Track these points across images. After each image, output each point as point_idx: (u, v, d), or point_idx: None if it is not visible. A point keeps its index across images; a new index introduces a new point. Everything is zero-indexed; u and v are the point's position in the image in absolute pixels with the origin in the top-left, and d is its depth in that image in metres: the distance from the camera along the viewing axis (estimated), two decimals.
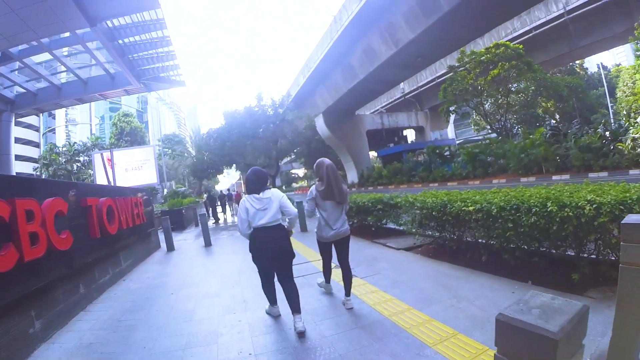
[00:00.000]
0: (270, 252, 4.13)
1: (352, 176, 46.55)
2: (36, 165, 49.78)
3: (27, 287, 4.35)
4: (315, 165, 4.79)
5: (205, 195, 22.93)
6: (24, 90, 25.97)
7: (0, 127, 26.14)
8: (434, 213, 6.24)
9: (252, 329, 4.38)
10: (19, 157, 57.91)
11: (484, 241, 5.58)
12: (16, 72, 24.35)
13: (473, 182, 25.59)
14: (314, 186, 4.72)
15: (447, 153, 33.15)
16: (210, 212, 21.92)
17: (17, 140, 63.70)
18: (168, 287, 6.97)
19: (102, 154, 31.81)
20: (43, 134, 72.58)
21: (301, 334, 3.96)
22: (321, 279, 5.45)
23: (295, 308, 4.10)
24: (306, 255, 8.14)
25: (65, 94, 26.07)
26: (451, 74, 31.61)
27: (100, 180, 32.64)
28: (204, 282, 7.02)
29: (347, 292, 4.75)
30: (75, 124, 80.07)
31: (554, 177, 19.83)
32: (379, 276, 5.93)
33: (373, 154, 56.48)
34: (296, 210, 4.30)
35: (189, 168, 31.69)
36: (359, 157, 46.70)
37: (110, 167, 29.07)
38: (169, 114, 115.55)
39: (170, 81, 27.02)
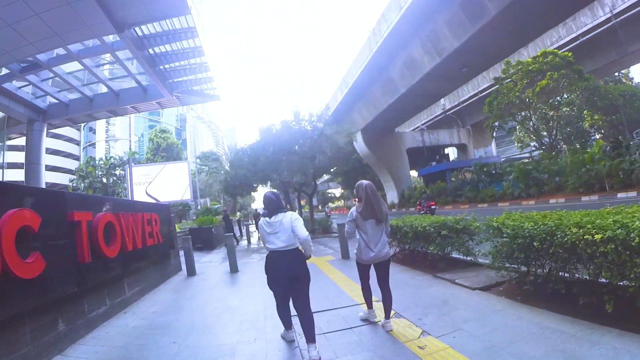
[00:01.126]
0: (283, 278, 4.08)
1: (392, 196, 44.50)
2: (73, 177, 50.16)
3: None
4: (355, 187, 4.83)
5: (221, 215, 21.33)
6: (56, 101, 25.45)
7: (32, 136, 25.64)
8: (535, 243, 4.42)
9: None
10: (58, 169, 59.52)
11: (605, 280, 3.80)
12: (49, 82, 23.93)
13: (527, 202, 23.31)
14: (354, 208, 4.73)
15: (495, 171, 30.96)
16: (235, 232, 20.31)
17: (58, 152, 66.00)
18: (173, 330, 5.41)
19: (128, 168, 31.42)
20: (83, 148, 74.51)
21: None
22: (362, 311, 5.15)
23: (310, 338, 3.93)
24: (356, 296, 6.24)
25: (97, 105, 25.41)
26: (497, 86, 29.74)
27: (136, 194, 32.29)
28: (219, 327, 5.41)
29: (387, 315, 4.61)
30: (115, 140, 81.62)
31: (619, 195, 17.79)
32: (462, 334, 4.10)
33: (413, 173, 54.14)
34: (307, 233, 4.07)
35: (221, 184, 30.28)
36: (399, 176, 44.72)
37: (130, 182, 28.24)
38: (207, 133, 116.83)
39: (204, 95, 26.04)
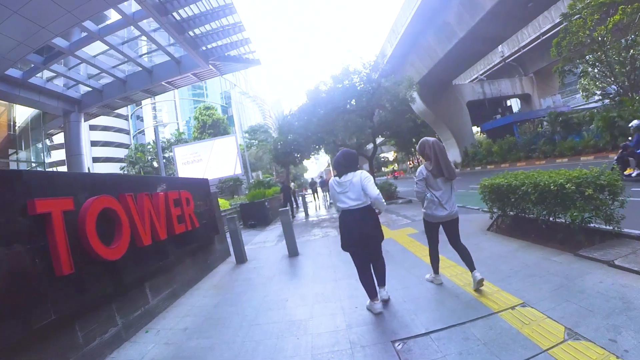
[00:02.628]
0: (356, 236, 4.07)
1: (453, 155, 40.61)
2: (124, 164, 50.50)
3: None
4: (418, 147, 4.72)
5: (280, 186, 19.27)
6: (89, 89, 24.63)
7: (69, 128, 25.03)
8: None
9: None
10: (111, 159, 60.83)
11: None
12: (80, 70, 23.03)
13: (616, 154, 19.68)
14: (422, 166, 4.59)
15: (573, 121, 27.22)
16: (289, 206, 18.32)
17: (110, 143, 67.72)
18: None
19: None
20: (133, 136, 75.81)
21: (385, 302, 4.29)
22: (429, 273, 5.00)
23: (381, 281, 4.40)
24: (489, 301, 4.19)
25: (131, 86, 24.13)
26: (564, 24, 25.72)
27: (184, 175, 31.25)
28: None
29: (472, 267, 4.39)
30: (164, 125, 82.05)
31: None
32: None
33: (475, 129, 49.88)
34: (378, 191, 3.98)
35: (271, 153, 28.23)
36: (461, 133, 41.11)
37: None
38: (253, 107, 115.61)
39: (242, 60, 23.87)
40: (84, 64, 21.53)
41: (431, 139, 4.63)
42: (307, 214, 18.17)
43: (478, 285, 4.22)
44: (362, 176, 4.03)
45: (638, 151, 11.06)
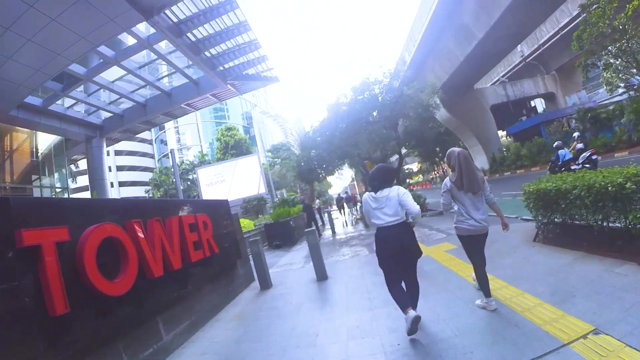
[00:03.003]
0: (394, 251, 3.92)
1: (481, 162, 39.56)
2: (149, 187, 51.17)
3: None
4: (446, 157, 4.49)
5: (302, 206, 18.42)
6: (110, 114, 24.84)
7: (92, 153, 25.17)
8: None
9: None
10: (136, 184, 61.80)
11: None
12: (100, 96, 23.29)
13: None
14: (447, 178, 4.43)
15: (602, 117, 25.98)
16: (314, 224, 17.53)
17: (135, 168, 69.25)
18: None
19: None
20: (158, 160, 77.22)
21: (416, 319, 3.65)
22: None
23: (414, 305, 4.01)
24: (541, 321, 3.68)
25: (151, 109, 24.16)
26: (583, 15, 24.61)
27: (208, 196, 31.13)
28: None
29: (488, 293, 4.16)
30: (188, 148, 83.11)
31: None
32: None
33: (500, 133, 48.24)
34: (418, 207, 3.90)
35: (294, 170, 27.71)
36: (487, 138, 39.85)
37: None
38: (274, 127, 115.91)
39: (261, 78, 23.59)
40: (104, 90, 21.72)
41: (457, 149, 4.45)
42: (334, 232, 17.47)
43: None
44: (399, 192, 3.96)
45: None
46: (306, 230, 7.76)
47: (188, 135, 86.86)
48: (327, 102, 22.47)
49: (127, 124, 24.88)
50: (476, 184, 4.19)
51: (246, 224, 18.76)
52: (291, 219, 16.23)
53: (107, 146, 27.54)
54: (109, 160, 70.51)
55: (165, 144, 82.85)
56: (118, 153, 68.55)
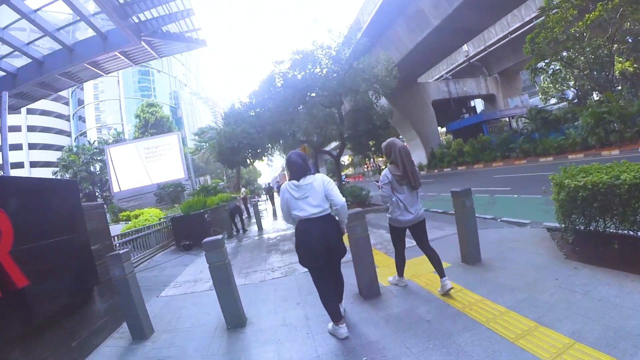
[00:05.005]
0: (319, 247, 3.48)
1: (419, 157, 38.07)
2: (56, 169, 45.41)
3: None
4: (384, 145, 4.53)
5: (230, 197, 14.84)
6: (3, 73, 19.49)
7: None
8: None
9: None
10: (50, 164, 55.42)
11: None
12: None
13: (609, 151, 17.86)
14: (386, 170, 4.39)
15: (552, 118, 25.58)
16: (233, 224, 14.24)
17: (50, 147, 62.62)
18: None
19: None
20: (75, 138, 70.76)
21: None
22: (392, 276, 4.95)
23: (339, 298, 3.90)
24: None
25: (48, 68, 19.20)
26: (540, 19, 24.08)
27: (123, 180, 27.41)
28: None
29: (442, 273, 4.21)
30: (109, 128, 76.09)
31: None
32: None
33: (439, 129, 47.56)
34: (344, 199, 3.64)
35: (214, 150, 23.73)
36: (426, 134, 38.67)
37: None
38: (205, 110, 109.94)
39: (185, 39, 19.65)
40: None
41: (399, 142, 4.45)
42: (260, 227, 14.22)
43: (446, 292, 4.07)
44: (324, 180, 3.64)
45: None
46: (205, 240, 4.24)
47: (109, 113, 79.53)
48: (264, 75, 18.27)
49: (20, 85, 19.79)
50: (416, 179, 4.23)
51: (153, 214, 15.18)
52: (207, 212, 12.78)
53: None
54: (19, 119, 63.49)
55: (84, 121, 75.33)
56: (30, 112, 63.33)
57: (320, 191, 3.53)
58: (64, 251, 4.10)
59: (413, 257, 5.83)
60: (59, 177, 41.89)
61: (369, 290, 4.51)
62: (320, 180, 3.59)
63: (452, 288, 4.03)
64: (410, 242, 6.96)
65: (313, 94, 14.88)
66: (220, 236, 3.96)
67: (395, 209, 4.29)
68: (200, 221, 12.12)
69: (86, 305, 4.52)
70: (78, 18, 17.22)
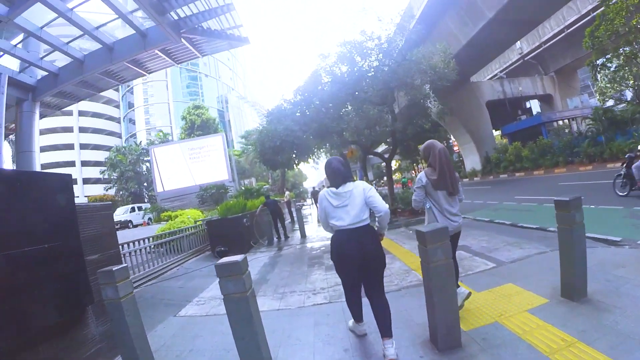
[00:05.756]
0: (355, 259, 3.22)
1: (472, 161, 36.17)
2: (104, 168, 46.61)
3: None
4: (423, 148, 4.16)
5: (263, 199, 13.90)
6: (45, 72, 19.99)
7: (21, 119, 20.27)
8: None
9: None
10: (100, 164, 57.56)
11: None
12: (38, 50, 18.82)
13: None
14: (422, 172, 4.04)
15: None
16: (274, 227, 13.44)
17: (100, 147, 65.07)
18: None
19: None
20: (125, 140, 73.01)
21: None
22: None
23: (386, 331, 3.20)
24: None
25: (89, 67, 19.28)
26: (602, 8, 21.41)
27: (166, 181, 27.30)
28: None
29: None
30: (158, 130, 78.26)
31: None
32: None
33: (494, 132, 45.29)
34: (387, 206, 3.35)
35: (255, 151, 22.75)
36: (480, 137, 36.14)
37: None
38: (252, 114, 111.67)
39: (226, 36, 19.15)
40: (39, 42, 17.64)
41: (439, 144, 4.06)
42: (303, 235, 13.14)
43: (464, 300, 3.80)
44: (365, 188, 3.37)
45: None
46: (217, 263, 2.98)
47: (158, 116, 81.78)
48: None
49: (61, 84, 20.06)
50: (457, 185, 3.94)
51: (191, 216, 14.43)
52: (245, 216, 11.87)
53: (46, 115, 23.11)
54: (71, 120, 66.77)
55: (134, 124, 78.03)
56: (82, 114, 66.79)
57: (360, 199, 3.31)
58: (46, 262, 3.22)
59: (493, 286, 4.60)
60: (105, 176, 43.07)
61: (447, 339, 3.22)
62: (361, 188, 3.37)
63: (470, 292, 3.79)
64: (486, 264, 5.79)
65: (362, 91, 13.76)
66: (239, 258, 2.83)
67: (431, 216, 3.94)
68: (238, 226, 11.21)
69: (76, 329, 3.66)
70: (116, 16, 17.06)
